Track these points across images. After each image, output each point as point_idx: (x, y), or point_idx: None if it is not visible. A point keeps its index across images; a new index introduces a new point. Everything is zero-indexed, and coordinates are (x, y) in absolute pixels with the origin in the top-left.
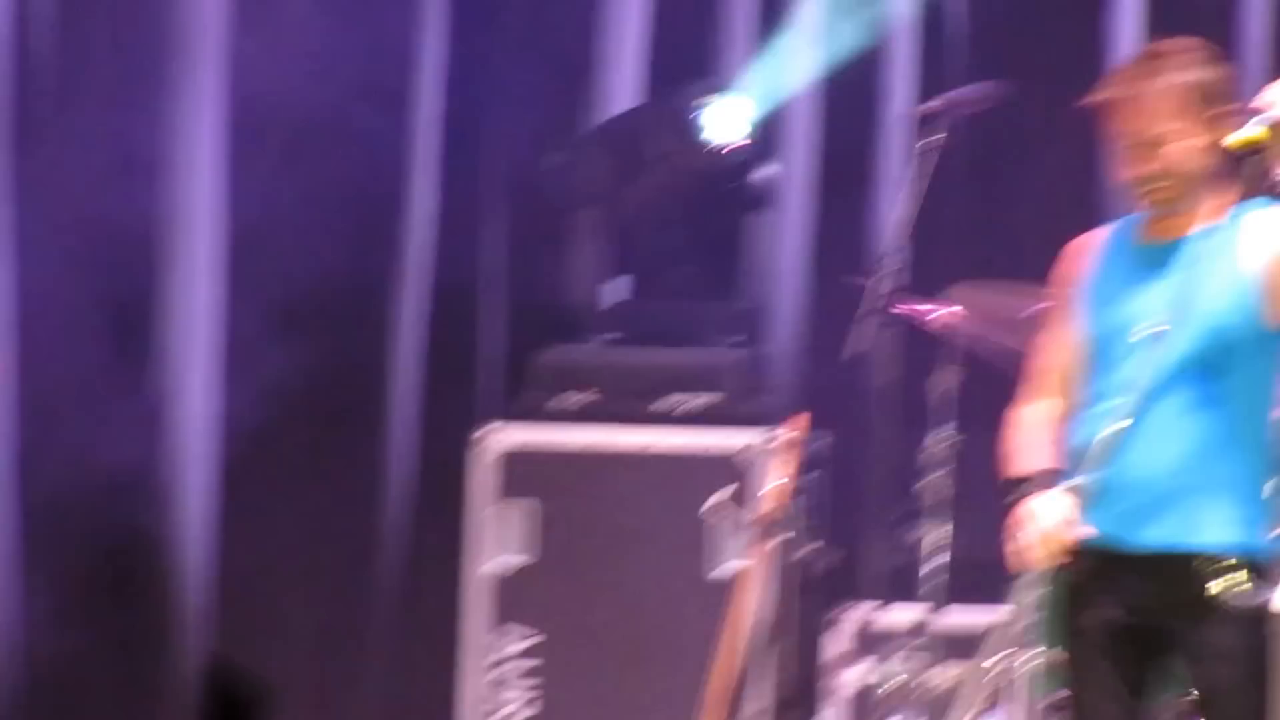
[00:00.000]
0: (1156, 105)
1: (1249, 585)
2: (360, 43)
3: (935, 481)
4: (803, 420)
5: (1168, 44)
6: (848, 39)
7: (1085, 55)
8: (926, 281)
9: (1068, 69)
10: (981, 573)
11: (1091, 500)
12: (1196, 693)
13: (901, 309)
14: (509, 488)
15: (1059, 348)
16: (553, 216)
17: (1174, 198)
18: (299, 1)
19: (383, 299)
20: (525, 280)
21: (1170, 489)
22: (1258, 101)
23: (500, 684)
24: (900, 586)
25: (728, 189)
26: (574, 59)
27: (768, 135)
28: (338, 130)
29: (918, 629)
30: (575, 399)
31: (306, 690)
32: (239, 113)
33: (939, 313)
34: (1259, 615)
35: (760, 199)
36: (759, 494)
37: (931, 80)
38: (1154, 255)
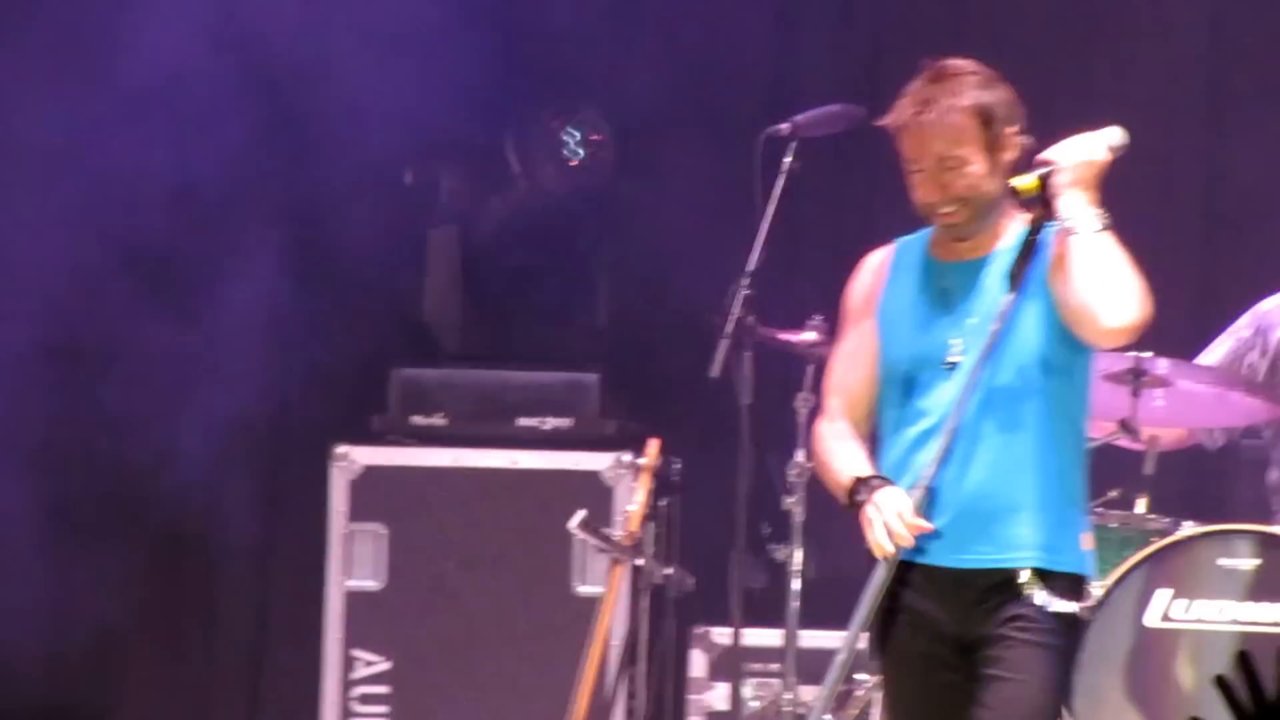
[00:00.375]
0: (945, 128)
1: (1063, 601)
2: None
3: (796, 504)
4: (657, 444)
5: (951, 65)
6: (700, 58)
7: None
8: (787, 305)
9: None
10: (840, 594)
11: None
12: (992, 706)
13: (762, 332)
14: (363, 509)
15: (851, 365)
16: (410, 235)
17: (968, 220)
18: None
19: (240, 313)
20: (382, 299)
21: (985, 509)
22: (1046, 154)
23: (356, 707)
24: (760, 609)
25: (583, 209)
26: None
27: (622, 155)
28: (188, 133)
29: (777, 651)
30: (430, 420)
31: (161, 709)
32: None
33: (800, 336)
34: (1069, 631)
35: (615, 219)
36: (616, 517)
37: (790, 101)
38: (955, 276)
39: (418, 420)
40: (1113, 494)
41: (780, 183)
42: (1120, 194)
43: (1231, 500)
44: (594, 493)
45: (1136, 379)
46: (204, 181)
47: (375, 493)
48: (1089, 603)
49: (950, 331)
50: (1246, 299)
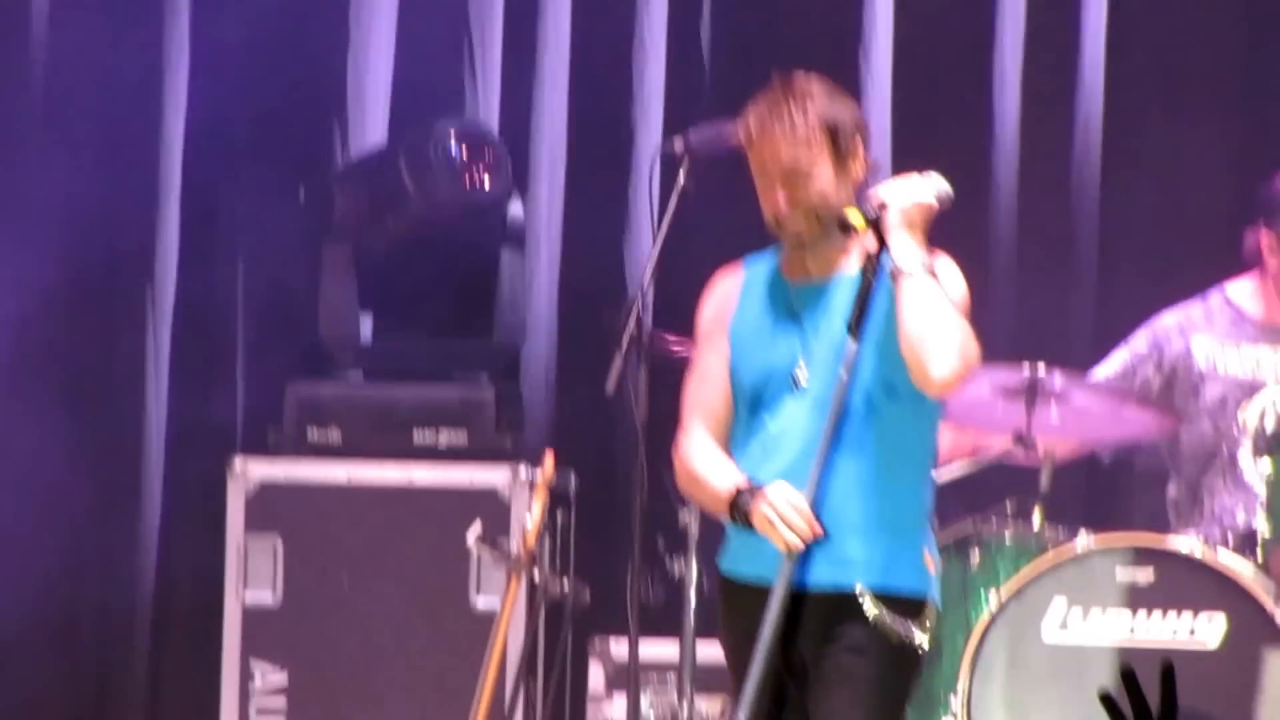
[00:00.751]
0: (794, 138)
1: (905, 626)
2: (107, 68)
3: (691, 517)
4: (553, 458)
5: (799, 78)
6: (593, 75)
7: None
8: (686, 319)
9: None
10: None
11: (754, 542)
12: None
13: (658, 346)
14: (260, 523)
15: (708, 383)
16: (305, 251)
17: (815, 232)
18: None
19: (135, 328)
20: (278, 314)
21: (829, 531)
22: (878, 190)
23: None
24: (657, 621)
25: (478, 225)
26: (326, 94)
27: (518, 171)
28: (86, 154)
29: (674, 663)
30: (327, 433)
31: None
32: None
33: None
34: (909, 655)
35: (511, 235)
36: (512, 530)
37: (682, 116)
38: (804, 297)
39: (314, 435)
40: (1009, 506)
41: (674, 199)
42: (1023, 212)
43: (1128, 512)
44: (490, 507)
45: (1031, 393)
46: (106, 192)
47: (272, 507)
48: (927, 626)
49: (796, 352)
50: (1143, 314)
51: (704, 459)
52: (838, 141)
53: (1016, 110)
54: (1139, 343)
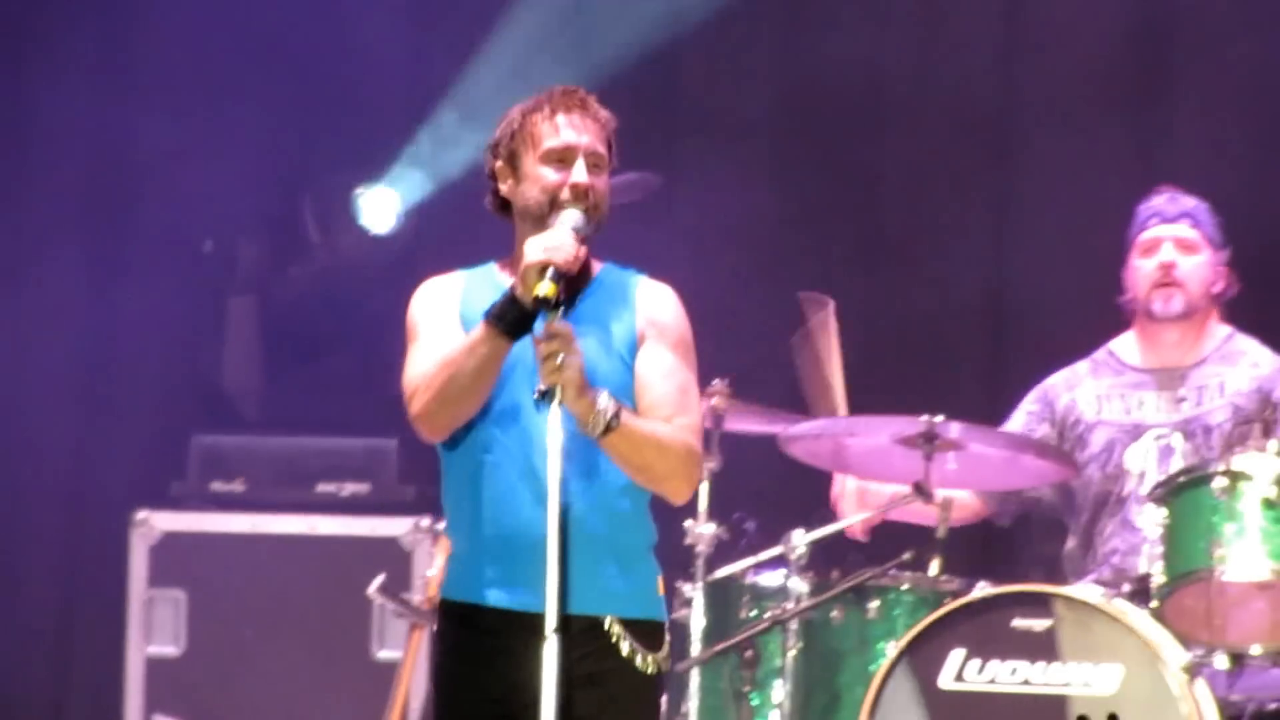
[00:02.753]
0: (599, 128)
1: (648, 651)
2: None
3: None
4: None
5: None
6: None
7: (736, 147)
8: None
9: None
10: None
11: (490, 566)
12: None
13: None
14: (163, 575)
15: (442, 344)
16: (210, 300)
17: (592, 229)
18: None
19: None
20: (181, 367)
21: (580, 555)
22: (527, 253)
23: None
24: None
25: (383, 278)
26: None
27: (423, 224)
28: None
29: None
30: (230, 486)
31: None
32: None
33: None
34: (653, 678)
35: (416, 288)
36: (414, 581)
37: None
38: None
39: (217, 486)
40: (906, 556)
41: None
42: (918, 273)
43: (1024, 561)
44: (392, 557)
45: (929, 443)
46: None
47: (175, 558)
48: (664, 652)
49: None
50: (1033, 370)
51: (439, 355)
52: (611, 151)
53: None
54: (1030, 403)
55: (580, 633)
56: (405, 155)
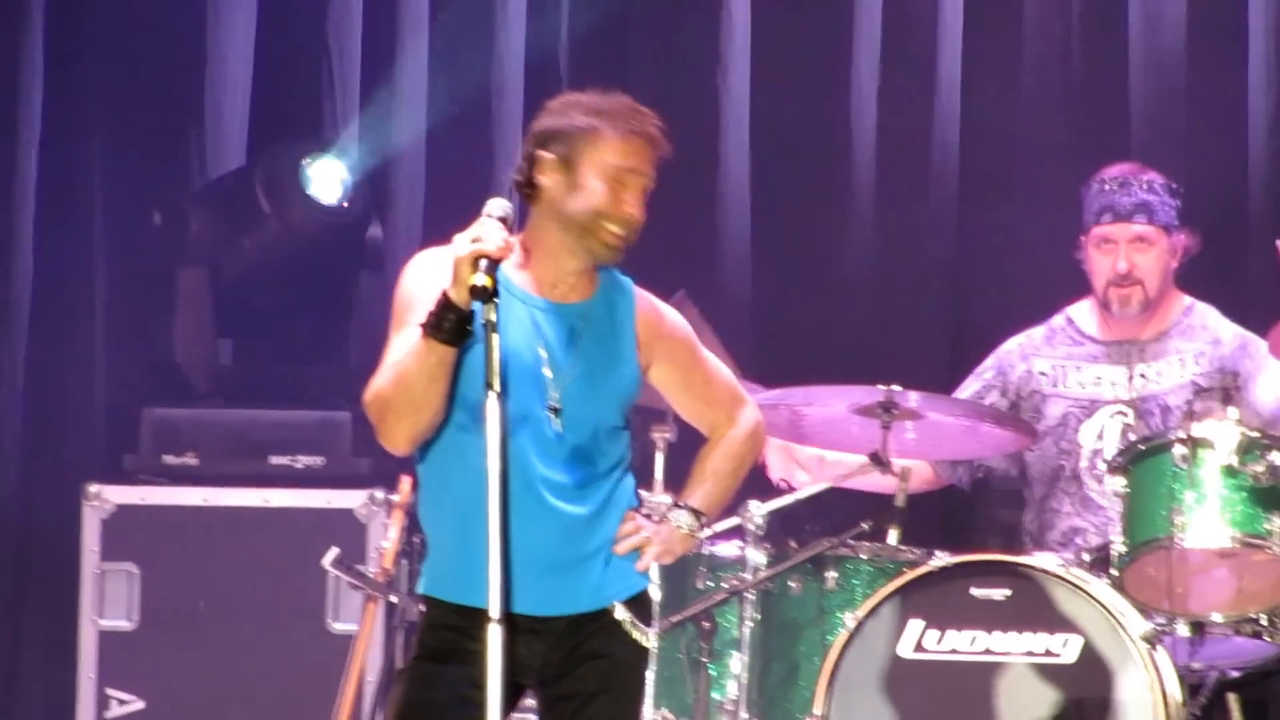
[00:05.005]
0: (661, 152)
1: (644, 624)
2: None
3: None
4: (409, 481)
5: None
6: (452, 98)
7: (695, 119)
8: None
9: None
10: None
11: (478, 570)
12: None
13: None
14: (116, 548)
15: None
16: (160, 273)
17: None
18: None
19: None
20: (132, 339)
21: (563, 556)
22: (459, 247)
23: None
24: None
25: (336, 248)
26: (180, 116)
27: (373, 195)
28: None
29: None
30: (182, 459)
31: None
32: None
33: None
34: (646, 651)
35: (369, 257)
36: (369, 553)
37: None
38: (558, 315)
39: (170, 459)
40: (864, 526)
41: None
42: (879, 230)
43: (982, 531)
44: (347, 530)
45: (887, 412)
46: None
47: (128, 532)
48: (655, 626)
49: (543, 374)
50: (996, 333)
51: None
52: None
53: (874, 130)
54: (985, 370)
55: (587, 619)
56: (354, 125)
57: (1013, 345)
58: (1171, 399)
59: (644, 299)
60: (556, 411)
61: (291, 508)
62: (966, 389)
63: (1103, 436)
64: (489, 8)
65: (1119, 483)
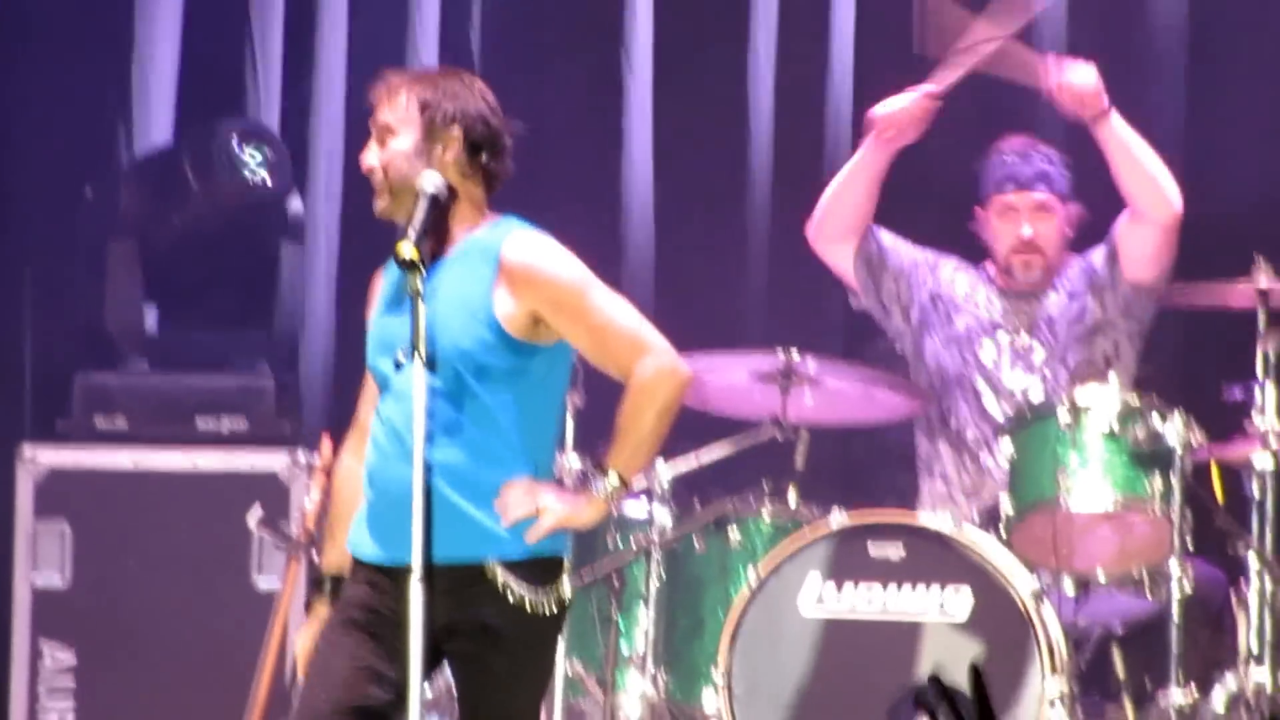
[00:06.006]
0: (392, 96)
1: (535, 590)
2: None
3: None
4: (330, 443)
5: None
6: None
7: (600, 97)
8: None
9: (582, 106)
10: None
11: (374, 523)
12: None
13: None
14: (49, 509)
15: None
16: (90, 244)
17: (385, 196)
18: None
19: None
20: (64, 307)
21: (448, 504)
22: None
23: (44, 701)
24: None
25: (260, 220)
26: (110, 95)
27: (297, 168)
28: None
29: None
30: (113, 422)
31: None
32: None
33: None
34: (544, 616)
35: (291, 229)
36: (292, 513)
37: None
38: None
39: (100, 423)
40: (766, 486)
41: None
42: (777, 202)
43: (879, 491)
44: (271, 490)
45: (786, 378)
46: None
47: (60, 493)
48: (564, 586)
49: (402, 333)
50: None
51: (343, 495)
52: (426, 114)
53: (771, 106)
54: (925, 252)
55: (465, 581)
56: (276, 103)
57: (951, 257)
58: (1054, 312)
59: (519, 247)
60: (399, 363)
61: (217, 469)
62: (902, 243)
63: (1001, 356)
64: None
65: (1008, 448)
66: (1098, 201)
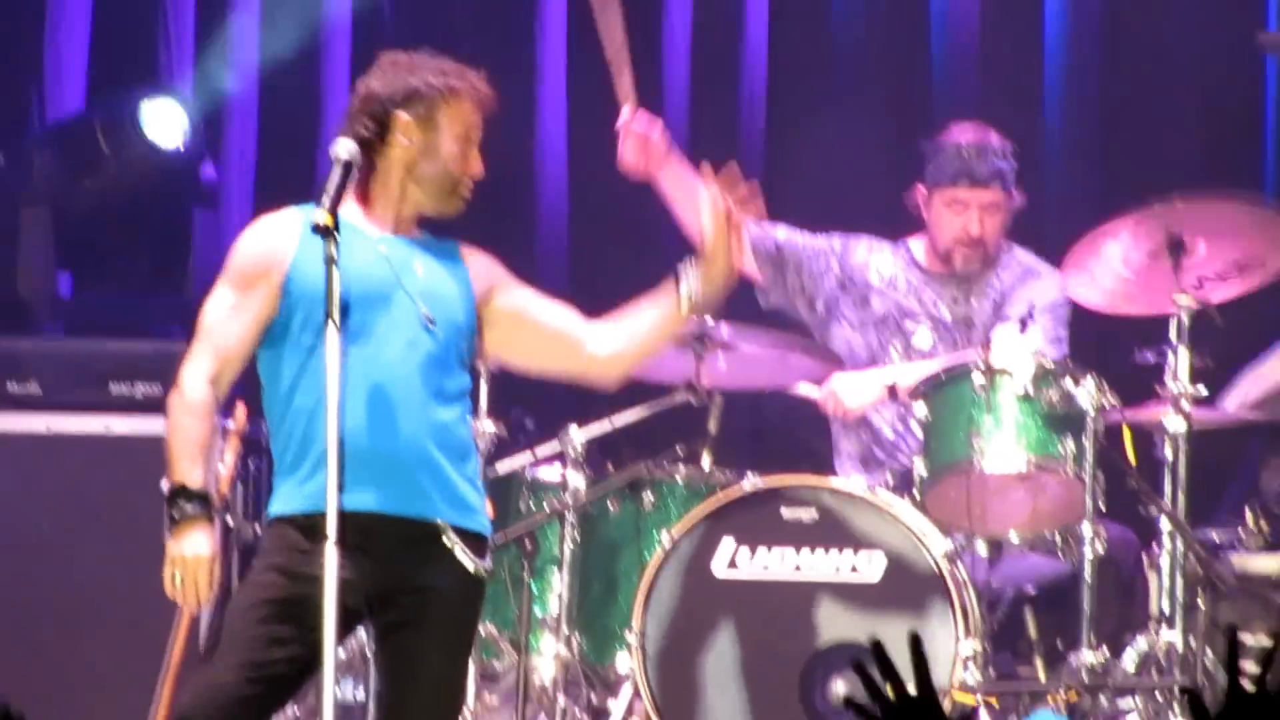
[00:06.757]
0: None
1: (475, 561)
2: None
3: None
4: (244, 409)
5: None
6: (285, 42)
7: (516, 66)
8: None
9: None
10: None
11: (377, 480)
12: (399, 661)
13: None
14: None
15: (235, 326)
16: (2, 211)
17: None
18: None
19: None
20: None
21: (407, 462)
22: None
23: None
24: None
25: (172, 187)
26: (21, 62)
27: (210, 135)
28: None
29: None
30: (26, 388)
31: None
32: None
33: None
34: (479, 583)
35: (204, 196)
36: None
37: None
38: (401, 247)
39: (13, 388)
40: (678, 449)
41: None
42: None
43: (792, 454)
44: None
45: (700, 343)
46: None
47: None
48: (487, 560)
49: (398, 297)
50: None
51: (185, 421)
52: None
53: (686, 85)
54: (831, 239)
55: (422, 540)
56: (189, 70)
57: (862, 238)
58: (978, 320)
59: (467, 250)
60: (432, 321)
61: (131, 434)
62: (799, 235)
63: (911, 345)
64: None
65: (921, 410)
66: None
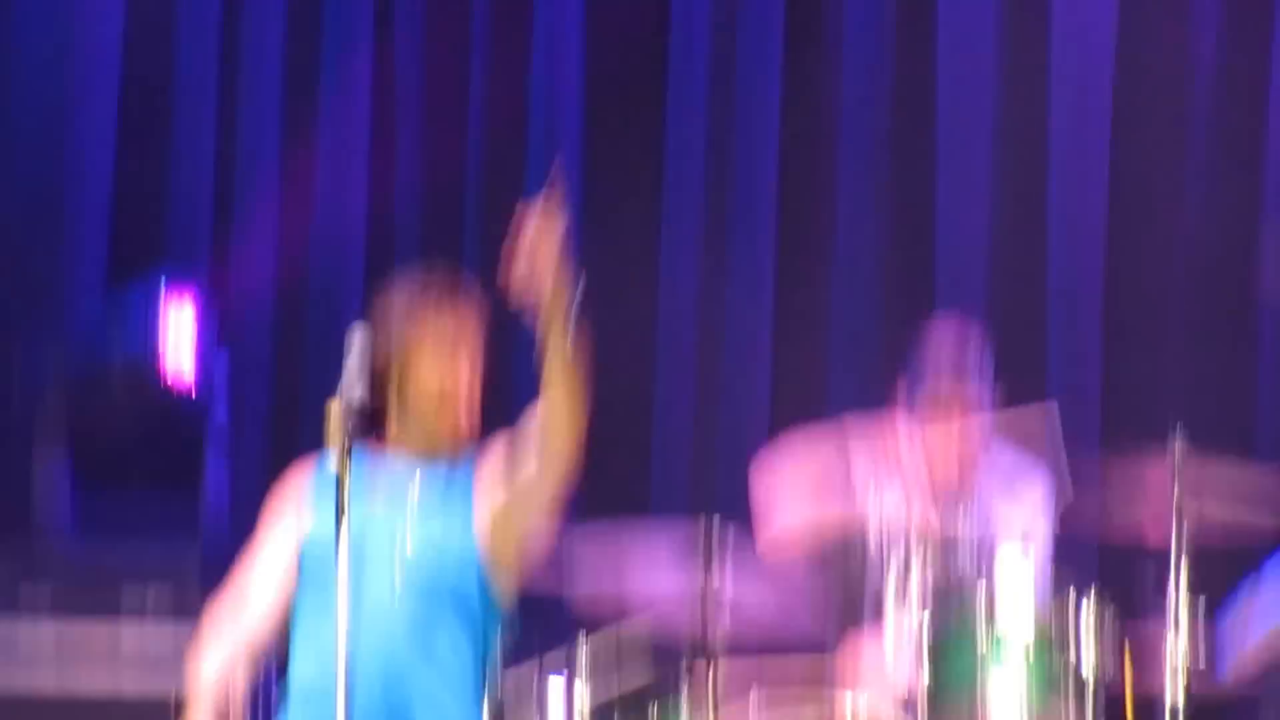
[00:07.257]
0: (472, 320)
1: None
2: None
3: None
4: None
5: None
6: None
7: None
8: None
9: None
10: None
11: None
12: None
13: None
14: None
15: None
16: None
17: None
18: None
19: None
20: None
21: (400, 702)
22: None
23: None
24: None
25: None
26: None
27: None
28: None
29: None
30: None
31: None
32: None
33: None
34: None
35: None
36: None
37: None
38: (409, 473)
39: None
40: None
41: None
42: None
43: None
44: None
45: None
46: None
47: None
48: None
49: (393, 529)
50: None
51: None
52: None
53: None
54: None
55: None
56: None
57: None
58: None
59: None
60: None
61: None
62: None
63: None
64: None
65: (925, 671)
66: None
